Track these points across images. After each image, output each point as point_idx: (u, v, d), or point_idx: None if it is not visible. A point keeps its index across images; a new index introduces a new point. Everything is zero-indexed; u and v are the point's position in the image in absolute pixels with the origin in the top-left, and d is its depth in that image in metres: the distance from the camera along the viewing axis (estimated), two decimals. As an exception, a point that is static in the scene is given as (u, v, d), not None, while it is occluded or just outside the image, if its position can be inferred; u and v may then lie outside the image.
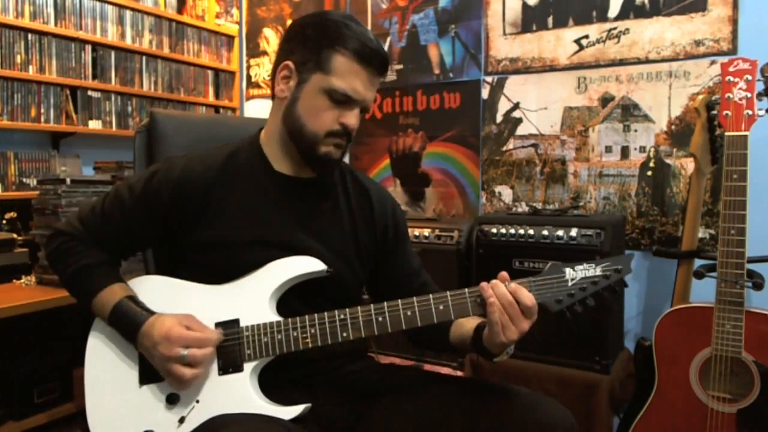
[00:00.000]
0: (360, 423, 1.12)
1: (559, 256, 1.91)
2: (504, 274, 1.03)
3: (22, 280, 2.07)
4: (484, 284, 1.02)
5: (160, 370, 1.05)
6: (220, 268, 1.11)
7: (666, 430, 1.65)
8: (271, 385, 1.08)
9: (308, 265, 1.10)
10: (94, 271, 1.14)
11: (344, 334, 1.05)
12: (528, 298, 1.00)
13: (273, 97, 1.19)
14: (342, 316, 1.05)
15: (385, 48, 2.66)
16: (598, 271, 1.02)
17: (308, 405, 1.04)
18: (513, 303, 0.99)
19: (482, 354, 1.09)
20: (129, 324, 1.07)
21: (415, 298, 1.04)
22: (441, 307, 1.03)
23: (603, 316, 1.84)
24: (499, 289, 1.01)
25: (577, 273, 1.02)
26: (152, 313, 1.08)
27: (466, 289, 1.04)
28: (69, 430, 2.03)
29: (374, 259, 1.24)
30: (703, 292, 1.76)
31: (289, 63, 1.13)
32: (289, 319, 1.06)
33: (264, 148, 1.19)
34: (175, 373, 1.02)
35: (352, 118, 1.11)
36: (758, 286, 1.60)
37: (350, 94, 1.09)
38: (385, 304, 1.04)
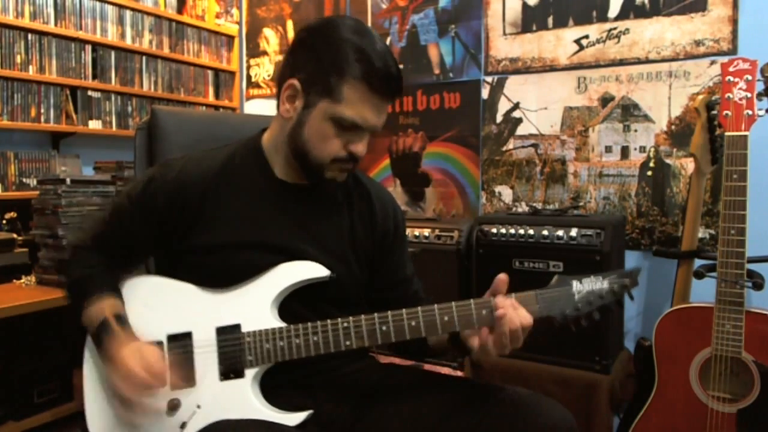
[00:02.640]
0: (360, 423, 1.12)
1: (559, 256, 1.92)
2: (503, 277, 1.01)
3: (22, 280, 2.07)
4: (499, 299, 1.00)
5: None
6: (219, 270, 1.11)
7: (666, 430, 1.65)
8: (271, 385, 1.07)
9: (311, 270, 1.09)
10: (87, 283, 1.13)
11: (347, 343, 1.04)
12: (526, 319, 0.98)
13: (278, 107, 1.15)
14: (345, 325, 1.04)
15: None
16: (605, 285, 1.01)
17: (310, 412, 1.04)
18: (518, 330, 0.98)
19: (460, 350, 1.09)
20: (101, 337, 1.06)
21: (419, 308, 1.03)
22: (446, 318, 1.02)
23: (603, 316, 1.84)
24: (511, 313, 0.98)
25: (584, 286, 1.01)
26: (124, 330, 1.06)
27: (472, 300, 1.02)
28: (69, 430, 2.03)
29: (371, 260, 1.23)
30: (703, 292, 1.76)
31: (295, 83, 1.07)
32: (292, 326, 1.05)
33: (266, 152, 1.17)
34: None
35: (360, 146, 1.08)
36: (758, 286, 1.60)
37: (359, 123, 1.05)
38: (389, 313, 1.03)
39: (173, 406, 1.06)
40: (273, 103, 3.23)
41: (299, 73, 1.07)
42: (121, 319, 1.08)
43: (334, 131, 1.06)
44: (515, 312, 0.99)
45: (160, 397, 1.06)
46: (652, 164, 2.23)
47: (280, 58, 3.26)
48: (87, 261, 1.15)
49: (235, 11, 3.39)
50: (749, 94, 1.57)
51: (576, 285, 1.01)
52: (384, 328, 1.03)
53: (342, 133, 1.06)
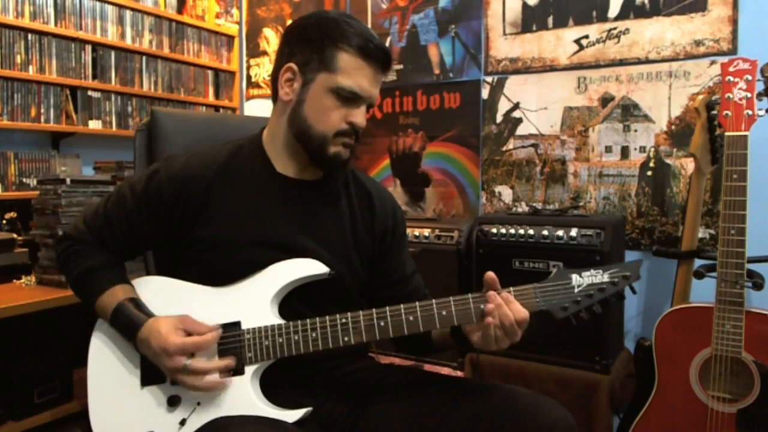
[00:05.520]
0: (360, 423, 1.12)
1: (559, 256, 1.92)
2: (492, 280, 1.02)
3: (22, 280, 2.07)
4: (491, 294, 1.01)
5: (169, 376, 1.06)
6: (220, 267, 1.11)
7: (666, 430, 1.65)
8: (271, 385, 1.08)
9: (310, 267, 1.10)
10: (97, 274, 1.14)
11: (346, 338, 1.04)
12: (520, 313, 0.99)
13: (275, 100, 1.17)
14: (344, 320, 1.05)
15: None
16: (606, 278, 1.01)
17: (309, 408, 1.04)
18: (513, 324, 0.99)
19: (463, 344, 1.09)
20: (127, 327, 1.08)
21: (417, 303, 1.03)
22: (444, 313, 1.02)
23: (603, 315, 1.84)
24: (503, 310, 0.99)
25: (583, 279, 1.01)
26: (150, 315, 1.08)
27: (470, 295, 1.02)
28: (69, 430, 2.03)
29: (371, 258, 1.24)
30: (703, 292, 1.76)
31: (292, 65, 1.11)
32: (291, 323, 1.06)
33: (266, 149, 1.19)
34: (186, 383, 1.03)
35: (359, 116, 1.11)
36: (758, 286, 1.60)
37: (357, 91, 1.09)
38: (387, 308, 1.04)
39: (173, 403, 1.06)
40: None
41: (295, 57, 1.12)
42: (137, 303, 1.10)
43: (333, 103, 1.09)
44: (509, 306, 0.99)
45: (163, 391, 1.07)
46: (652, 164, 2.23)
47: (280, 58, 3.26)
48: (88, 254, 1.16)
49: (235, 11, 3.39)
50: (749, 94, 1.57)
51: (575, 278, 1.01)
52: (382, 323, 1.04)
53: (341, 104, 1.09)
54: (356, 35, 1.08)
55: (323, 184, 1.19)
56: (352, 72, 1.08)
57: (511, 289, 1.01)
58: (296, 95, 1.12)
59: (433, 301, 1.03)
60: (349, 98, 1.09)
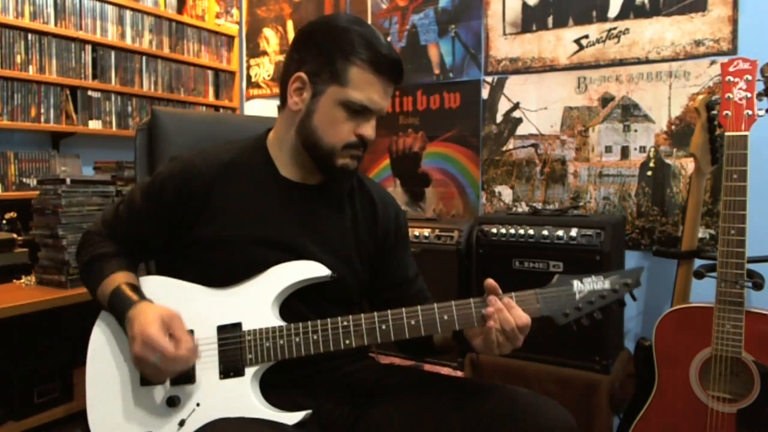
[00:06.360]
0: (360, 423, 1.12)
1: (559, 256, 1.92)
2: (492, 286, 1.02)
3: (22, 280, 2.07)
4: (492, 298, 1.01)
5: (133, 361, 1.05)
6: (220, 266, 1.11)
7: (666, 430, 1.65)
8: (271, 385, 1.08)
9: (312, 270, 1.10)
10: (103, 261, 1.15)
11: (347, 341, 1.04)
12: (521, 318, 0.99)
13: (282, 106, 1.17)
14: (345, 323, 1.05)
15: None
16: (607, 285, 1.01)
17: (309, 411, 1.04)
18: (515, 329, 0.99)
19: (465, 347, 1.10)
20: (120, 307, 1.06)
21: (419, 307, 1.04)
22: (445, 317, 1.02)
23: (604, 315, 1.84)
24: (503, 315, 0.99)
25: (585, 286, 1.01)
26: (145, 299, 1.07)
27: (471, 300, 1.03)
28: (69, 430, 2.03)
29: (372, 261, 1.24)
30: (703, 292, 1.76)
31: (302, 74, 1.10)
32: (292, 325, 1.06)
33: (271, 151, 1.19)
34: (144, 373, 1.05)
35: (369, 129, 1.10)
36: (758, 286, 1.60)
37: (368, 105, 1.08)
38: (389, 312, 1.04)
39: (172, 403, 1.06)
40: (273, 103, 3.24)
41: (305, 65, 1.10)
42: (135, 287, 1.09)
43: (343, 116, 1.09)
44: (510, 312, 0.99)
45: (162, 391, 1.06)
46: (652, 164, 2.23)
47: (280, 58, 3.26)
48: (99, 245, 1.17)
49: (235, 11, 3.39)
50: (749, 94, 1.57)
51: (577, 285, 1.02)
52: (383, 327, 1.04)
53: (350, 117, 1.09)
54: (367, 48, 1.07)
55: (326, 187, 1.19)
56: (363, 86, 1.07)
57: (513, 294, 1.02)
58: (305, 106, 1.11)
59: (435, 305, 1.03)
60: (359, 111, 1.08)
